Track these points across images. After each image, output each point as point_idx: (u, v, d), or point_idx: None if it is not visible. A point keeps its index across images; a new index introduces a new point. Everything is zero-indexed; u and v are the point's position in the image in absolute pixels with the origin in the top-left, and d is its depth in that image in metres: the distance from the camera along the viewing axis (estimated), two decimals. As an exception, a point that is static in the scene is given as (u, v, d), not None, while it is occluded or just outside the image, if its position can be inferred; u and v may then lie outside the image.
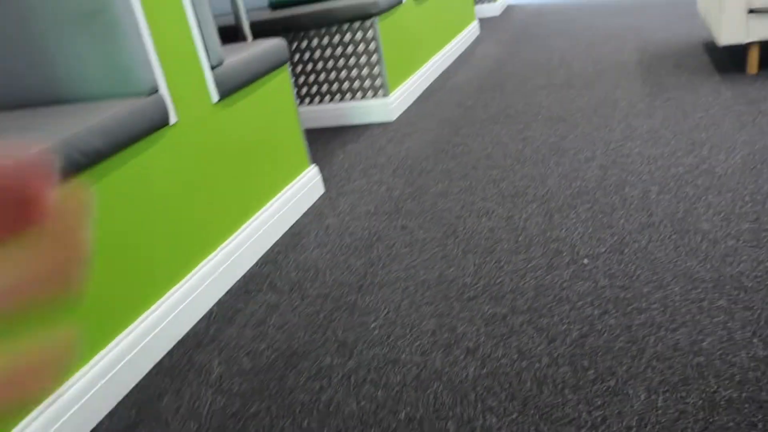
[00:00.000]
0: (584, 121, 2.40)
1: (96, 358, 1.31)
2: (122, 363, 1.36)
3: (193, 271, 1.60)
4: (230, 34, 3.11)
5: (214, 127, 1.70)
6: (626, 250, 1.48)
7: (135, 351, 1.39)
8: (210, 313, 1.60)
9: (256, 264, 1.81)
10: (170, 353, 1.47)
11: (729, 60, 2.81)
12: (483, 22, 5.19)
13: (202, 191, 1.64)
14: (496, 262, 1.55)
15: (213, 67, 1.70)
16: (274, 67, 1.98)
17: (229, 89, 1.74)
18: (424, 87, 3.43)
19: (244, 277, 1.75)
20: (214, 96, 1.70)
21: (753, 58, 2.55)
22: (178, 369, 1.40)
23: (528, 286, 1.42)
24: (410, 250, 1.71)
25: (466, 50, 4.21)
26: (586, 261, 1.47)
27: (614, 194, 1.77)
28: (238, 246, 1.76)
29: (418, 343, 1.31)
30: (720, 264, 1.35)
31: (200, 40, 1.65)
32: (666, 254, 1.43)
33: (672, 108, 2.35)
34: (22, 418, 1.16)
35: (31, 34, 1.44)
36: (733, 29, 2.50)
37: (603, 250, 1.50)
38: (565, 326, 1.26)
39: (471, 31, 4.50)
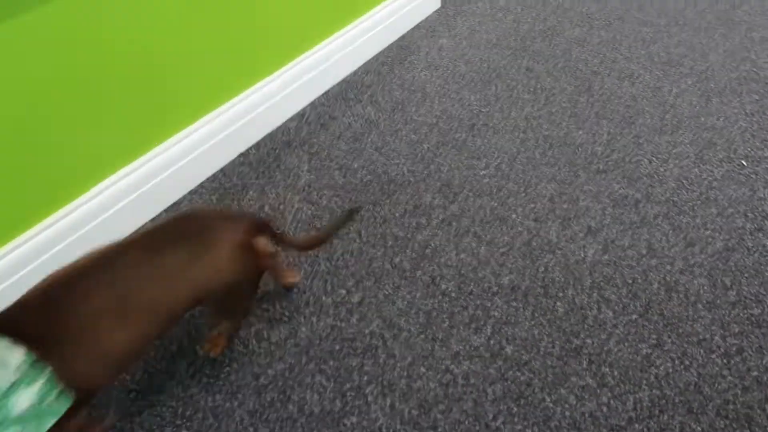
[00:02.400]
0: (765, -8, 1.98)
1: (180, 134, 1.21)
2: (208, 144, 1.26)
3: (293, 62, 1.43)
4: None
5: None
6: (796, 162, 1.25)
7: (222, 135, 1.28)
8: (303, 113, 1.47)
9: (357, 71, 1.63)
10: (257, 145, 1.36)
11: None
12: None
13: (319, -29, 1.41)
14: (634, 137, 1.34)
15: None
16: None
17: None
18: None
19: (343, 81, 1.58)
20: None
21: None
22: (264, 165, 1.31)
23: (670, 174, 1.23)
24: (534, 98, 1.49)
25: None
26: (744, 162, 1.25)
27: (791, 91, 1.48)
28: (340, 47, 1.56)
29: (533, 206, 1.17)
30: None
31: None
32: None
33: None
34: (107, 173, 1.09)
35: None
36: None
37: (766, 155, 1.27)
38: (709, 232, 1.09)
39: None
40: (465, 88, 1.54)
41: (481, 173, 1.25)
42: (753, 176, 1.22)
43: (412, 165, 1.28)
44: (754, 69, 1.57)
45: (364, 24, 1.63)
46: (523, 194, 1.19)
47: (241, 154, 1.34)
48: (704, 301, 0.97)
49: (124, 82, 1.04)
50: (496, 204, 1.18)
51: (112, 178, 1.10)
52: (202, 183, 1.27)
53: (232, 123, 1.30)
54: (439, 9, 1.96)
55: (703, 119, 1.39)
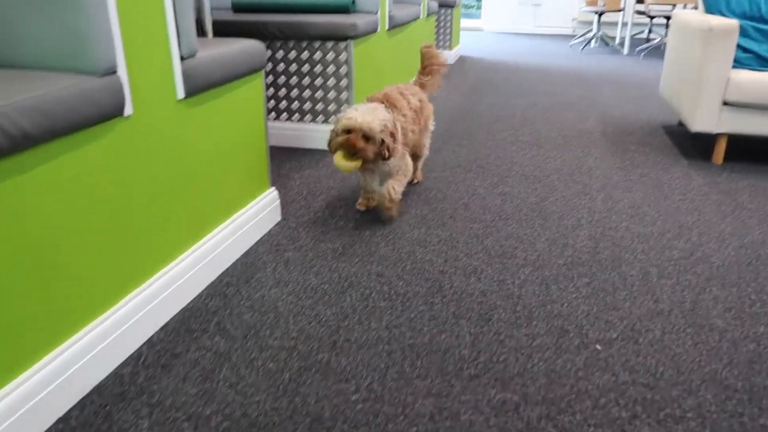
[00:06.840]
0: (562, 185, 2.30)
1: (-18, 409, 0.95)
2: (18, 414, 1.01)
3: (125, 299, 1.27)
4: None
5: (174, 128, 1.40)
6: (641, 340, 1.32)
7: (35, 400, 1.04)
8: (139, 355, 1.27)
9: (200, 296, 1.50)
10: (81, 405, 1.12)
11: (692, 145, 2.85)
12: (439, 67, 5.14)
13: (149, 202, 1.33)
14: (495, 334, 1.34)
15: (183, 58, 1.41)
16: (249, 71, 1.70)
17: (197, 86, 1.45)
18: (386, 121, 3.24)
19: (184, 311, 1.43)
20: (180, 91, 1.40)
21: (720, 148, 2.58)
22: (92, 429, 1.07)
23: (538, 369, 1.22)
24: (391, 305, 1.47)
25: (425, 91, 4.10)
26: (599, 347, 1.30)
27: (612, 271, 1.63)
28: (182, 272, 1.45)
29: (415, 430, 1.07)
30: (748, 371, 1.22)
31: (173, 24, 1.36)
32: (686, 351, 1.29)
33: (649, 186, 2.30)
34: None
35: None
36: (706, 118, 2.52)
37: (614, 336, 1.34)
38: (592, 429, 1.06)
39: (430, 74, 4.40)
40: (319, 303, 1.48)
41: (353, 399, 1.14)
42: (611, 359, 1.26)
43: (274, 401, 1.13)
44: (576, 254, 1.73)
45: (205, 246, 1.54)
46: (402, 417, 1.09)
47: (60, 420, 1.09)
48: None
49: None
50: (375, 434, 1.06)
51: None
52: (5, 470, 0.99)
53: (49, 382, 1.07)
54: (280, 221, 1.96)
55: (549, 307, 1.45)
